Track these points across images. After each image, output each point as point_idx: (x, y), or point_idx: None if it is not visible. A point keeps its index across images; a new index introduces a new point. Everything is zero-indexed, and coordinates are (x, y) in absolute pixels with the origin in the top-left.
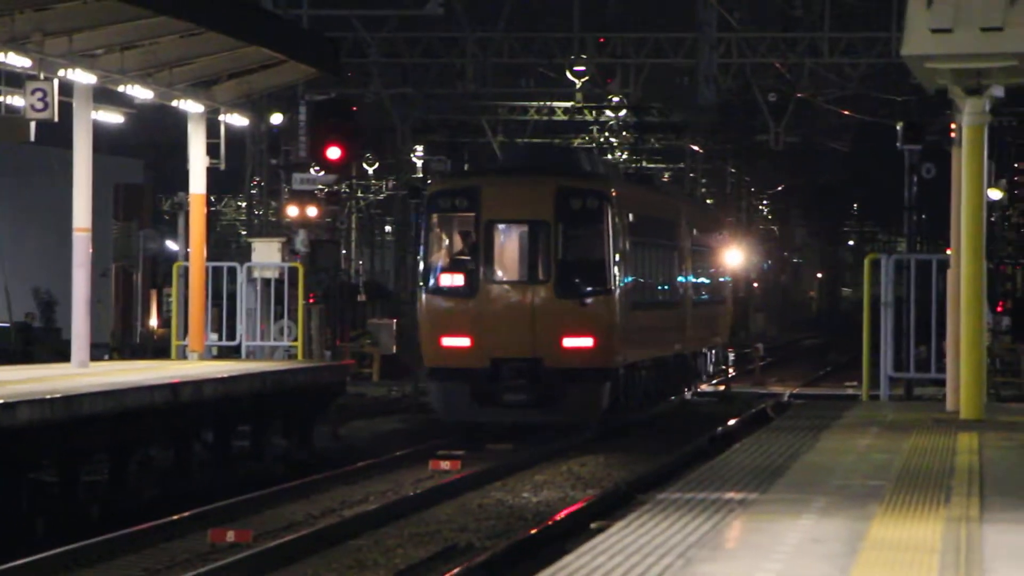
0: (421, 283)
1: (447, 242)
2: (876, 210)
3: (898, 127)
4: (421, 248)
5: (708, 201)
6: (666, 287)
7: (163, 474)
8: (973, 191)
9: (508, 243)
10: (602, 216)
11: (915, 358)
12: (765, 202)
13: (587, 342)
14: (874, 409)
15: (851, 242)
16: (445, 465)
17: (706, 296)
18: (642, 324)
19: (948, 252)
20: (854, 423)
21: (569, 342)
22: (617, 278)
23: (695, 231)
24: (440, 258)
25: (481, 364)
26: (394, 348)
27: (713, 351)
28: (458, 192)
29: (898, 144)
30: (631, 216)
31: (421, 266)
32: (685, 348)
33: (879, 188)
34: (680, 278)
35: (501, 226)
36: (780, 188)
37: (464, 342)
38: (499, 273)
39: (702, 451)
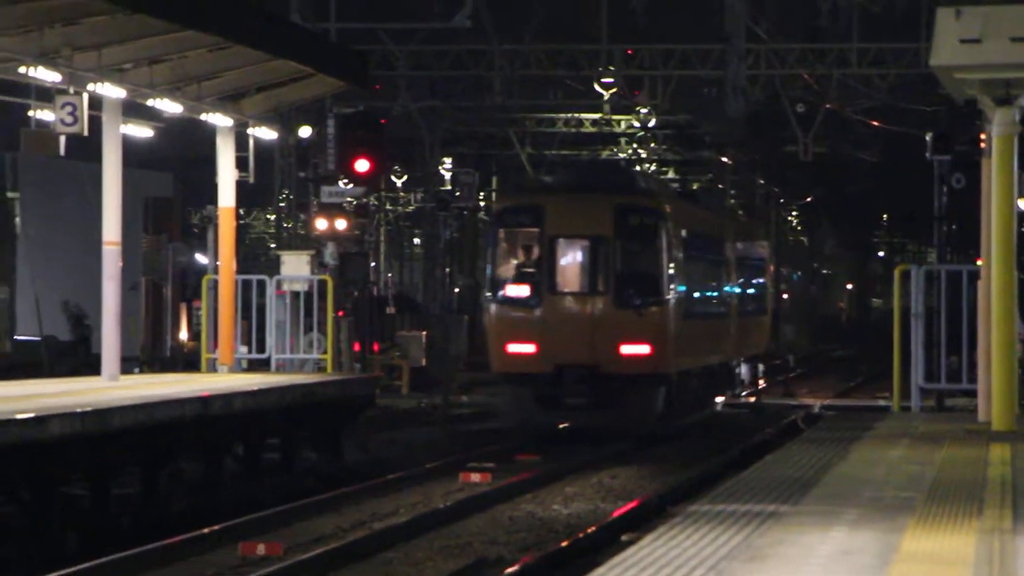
0: (489, 294)
1: (513, 255)
2: (906, 221)
3: (927, 138)
4: (488, 261)
5: (740, 213)
6: (713, 298)
7: (193, 487)
8: (1003, 201)
9: (570, 257)
10: (657, 232)
11: (946, 369)
12: (794, 213)
13: (643, 349)
14: (905, 420)
15: (881, 253)
16: (475, 477)
17: (748, 307)
18: (692, 333)
19: (978, 263)
20: (885, 434)
21: (626, 349)
22: (671, 289)
23: (737, 244)
24: (506, 271)
25: (545, 369)
26: (423, 360)
27: (755, 359)
28: (523, 209)
29: (927, 155)
30: (682, 231)
31: (488, 278)
32: (730, 356)
33: (908, 199)
34: (725, 289)
35: (563, 241)
36: (809, 199)
37: (529, 349)
38: (562, 285)
39: (733, 462)
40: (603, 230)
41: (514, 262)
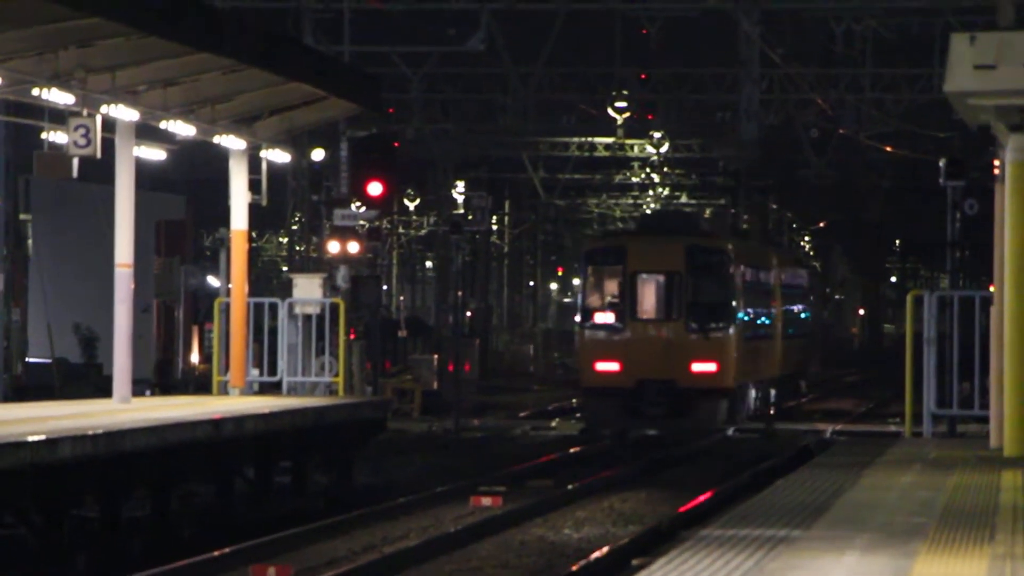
0: (580, 320)
1: (600, 288)
2: (918, 246)
3: (941, 163)
4: (579, 293)
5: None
6: (764, 323)
7: (204, 509)
8: (1016, 227)
9: (649, 289)
10: (721, 268)
11: (958, 395)
12: (807, 238)
13: (710, 367)
14: (917, 446)
15: (893, 278)
16: (486, 501)
17: (791, 329)
18: (749, 353)
19: (991, 289)
20: (897, 460)
21: (696, 367)
22: (732, 316)
23: (782, 273)
24: (595, 301)
25: (628, 384)
26: (435, 384)
27: (796, 377)
28: (609, 249)
29: (941, 180)
30: (741, 266)
31: (580, 307)
32: (778, 372)
33: (921, 224)
34: (773, 313)
35: (643, 276)
36: (822, 224)
37: (615, 367)
38: (642, 312)
39: (744, 487)
40: (676, 266)
41: (601, 294)
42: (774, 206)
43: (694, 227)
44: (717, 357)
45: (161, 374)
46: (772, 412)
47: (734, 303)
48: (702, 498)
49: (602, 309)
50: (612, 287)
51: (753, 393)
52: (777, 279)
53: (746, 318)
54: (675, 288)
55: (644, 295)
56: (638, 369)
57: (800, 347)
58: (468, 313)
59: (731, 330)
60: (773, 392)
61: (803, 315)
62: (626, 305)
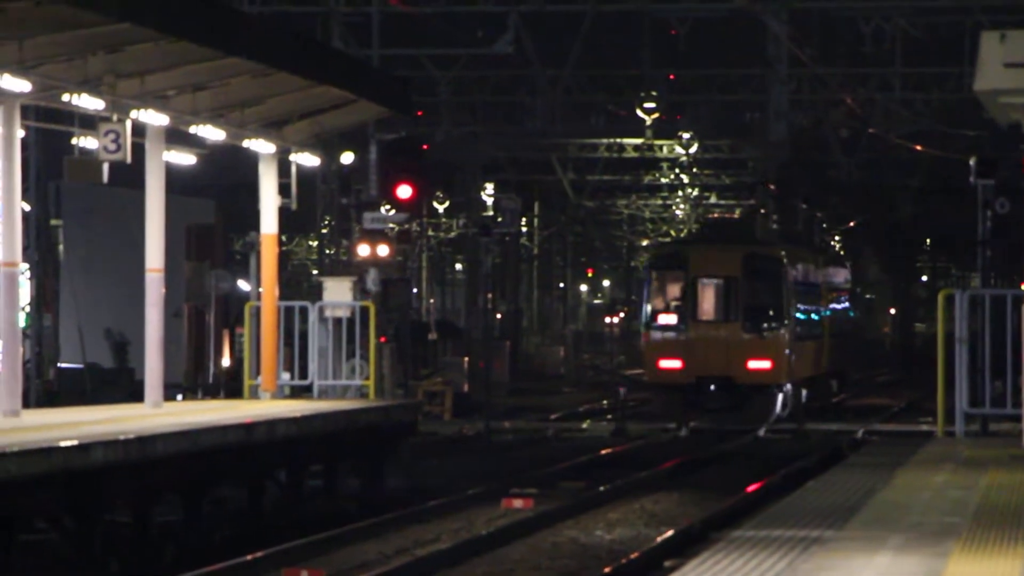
0: (645, 321)
1: (663, 292)
2: (949, 245)
3: (971, 162)
4: (644, 297)
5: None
6: (813, 322)
7: (236, 514)
8: None
9: (708, 292)
10: (774, 273)
11: (991, 394)
12: (837, 238)
13: (766, 364)
14: (949, 445)
15: (924, 277)
16: (518, 503)
17: (837, 328)
18: (801, 351)
19: (1023, 287)
20: (929, 459)
21: (753, 364)
22: (785, 317)
23: (828, 276)
24: (658, 303)
25: (689, 380)
26: (465, 386)
27: (842, 373)
28: (671, 255)
29: (971, 179)
30: (792, 271)
31: (644, 309)
32: (826, 369)
33: (952, 223)
34: (823, 313)
35: (703, 280)
36: (852, 224)
37: (677, 364)
38: (702, 314)
39: (777, 488)
40: (734, 272)
41: (664, 297)
42: (804, 206)
43: (750, 235)
44: (771, 355)
45: (192, 378)
46: (812, 407)
47: (787, 305)
48: (736, 499)
49: (665, 311)
50: (674, 291)
51: (804, 390)
52: (824, 281)
53: (798, 318)
54: (732, 292)
55: (704, 298)
56: (698, 366)
57: (844, 345)
58: (498, 315)
59: (784, 330)
60: (832, 385)
61: (848, 314)
62: (687, 307)
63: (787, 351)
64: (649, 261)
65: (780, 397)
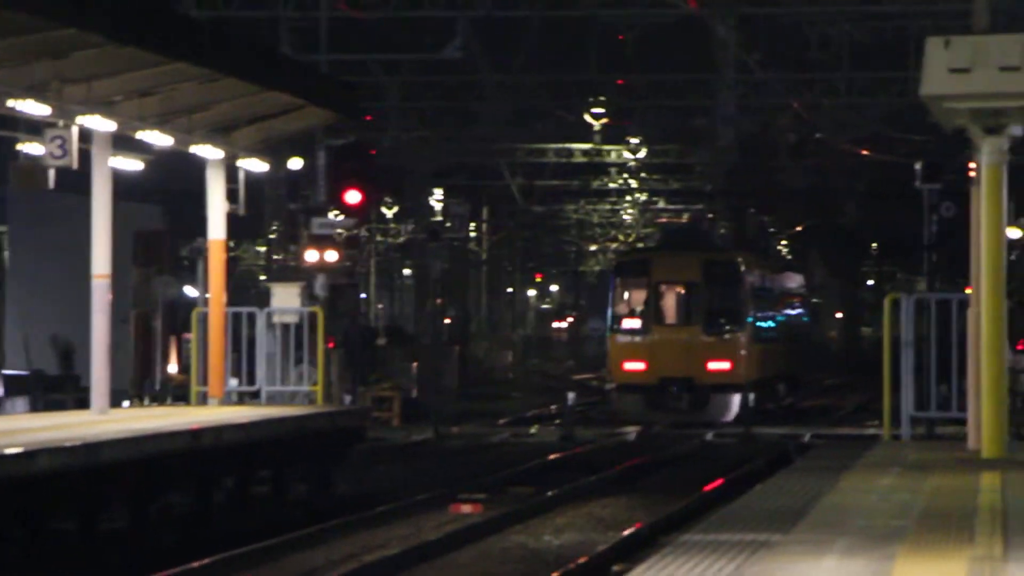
0: (611, 325)
1: (628, 297)
2: (895, 249)
3: (917, 167)
4: (609, 302)
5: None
6: (770, 327)
7: (183, 520)
8: (992, 230)
9: (670, 297)
10: (733, 278)
11: (936, 397)
12: (784, 242)
13: (725, 366)
14: (896, 449)
15: (870, 282)
16: (466, 508)
17: (791, 332)
18: (760, 352)
19: (968, 291)
20: (876, 463)
21: (712, 365)
22: (743, 321)
23: (784, 282)
24: (623, 308)
25: (652, 381)
26: (414, 392)
27: (795, 377)
28: (636, 262)
29: (917, 183)
30: (751, 276)
31: (610, 314)
32: (786, 370)
33: (898, 227)
34: (778, 317)
35: (665, 285)
36: (799, 229)
37: (640, 366)
38: (664, 318)
39: (724, 492)
40: (694, 277)
41: (628, 302)
42: (752, 210)
43: (709, 242)
44: (731, 357)
45: (139, 385)
46: (766, 409)
47: (744, 309)
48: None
49: (630, 315)
50: (638, 296)
51: (752, 393)
52: (779, 286)
53: (755, 322)
54: (693, 296)
55: (666, 303)
56: (661, 368)
57: (798, 349)
58: (447, 320)
59: (742, 333)
60: (782, 388)
61: (801, 319)
62: (650, 312)
63: (745, 353)
64: (613, 267)
65: (738, 398)
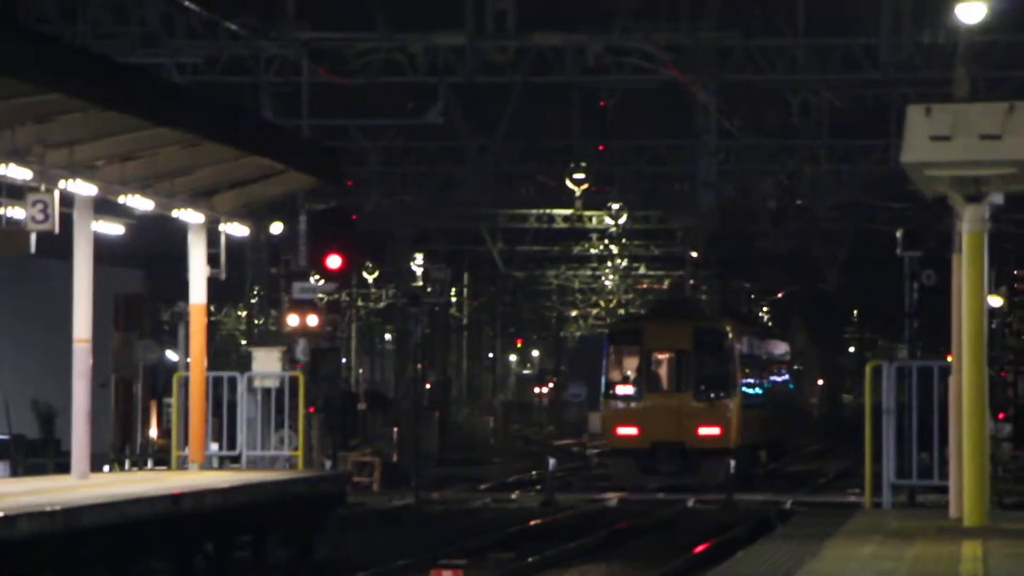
0: (604, 391)
1: (620, 365)
2: (876, 316)
3: (898, 234)
4: (603, 369)
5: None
6: (758, 393)
7: None
8: (974, 298)
9: (661, 365)
10: (722, 347)
11: (918, 465)
12: (765, 309)
13: (715, 431)
14: (877, 517)
15: (852, 348)
16: (447, 575)
17: (778, 398)
18: (749, 418)
19: (949, 359)
20: (857, 531)
21: (703, 431)
22: (733, 388)
23: (770, 350)
24: (616, 375)
25: (644, 445)
26: (395, 457)
27: (781, 442)
28: (628, 331)
29: (898, 251)
30: (740, 344)
31: (604, 380)
32: (772, 436)
33: (879, 295)
34: (765, 384)
35: (656, 354)
36: (780, 295)
37: (633, 431)
38: (656, 385)
39: (706, 559)
40: (685, 345)
41: (621, 369)
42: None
43: (699, 311)
44: (720, 422)
45: (120, 449)
46: (752, 474)
47: (734, 376)
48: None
49: (623, 382)
50: (631, 363)
51: (751, 452)
52: (765, 353)
53: (744, 389)
54: (684, 364)
55: (658, 370)
56: (653, 433)
57: (784, 415)
58: (428, 385)
59: (731, 399)
60: (763, 455)
61: (787, 384)
62: (643, 378)
63: (735, 418)
64: (607, 336)
65: (728, 462)
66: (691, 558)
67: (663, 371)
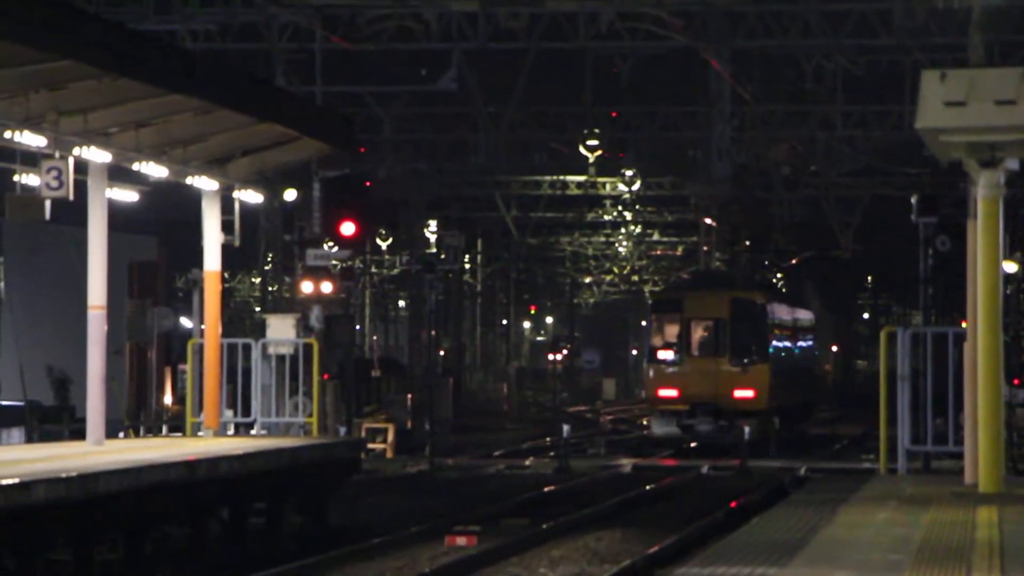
0: (648, 356)
1: (662, 331)
2: (890, 283)
3: (912, 200)
4: (646, 335)
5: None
6: (788, 357)
7: (179, 552)
8: (988, 264)
9: (700, 331)
10: (757, 314)
11: (933, 431)
12: (779, 275)
13: (749, 393)
14: (892, 483)
15: (865, 315)
16: (461, 541)
17: (805, 363)
18: (779, 382)
19: (964, 324)
20: (872, 497)
21: (738, 393)
22: (765, 353)
23: (798, 317)
24: (658, 340)
25: (684, 406)
26: (409, 423)
27: (809, 404)
28: (670, 300)
29: (912, 217)
30: (772, 312)
31: (647, 346)
32: (799, 398)
33: (893, 261)
34: (795, 350)
35: (695, 321)
36: (794, 262)
37: (673, 392)
38: (695, 350)
39: (720, 525)
40: (722, 314)
41: (663, 335)
42: (747, 243)
43: (735, 282)
44: (754, 385)
45: (134, 416)
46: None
47: (766, 342)
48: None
49: (664, 348)
50: (672, 330)
51: (781, 414)
52: (794, 320)
53: (776, 354)
54: (721, 330)
55: (696, 336)
56: (691, 394)
57: (811, 379)
58: (441, 352)
59: (764, 364)
60: (777, 420)
61: (812, 350)
62: (683, 344)
63: (767, 382)
64: (650, 305)
65: (759, 421)
66: (706, 523)
67: (701, 337)
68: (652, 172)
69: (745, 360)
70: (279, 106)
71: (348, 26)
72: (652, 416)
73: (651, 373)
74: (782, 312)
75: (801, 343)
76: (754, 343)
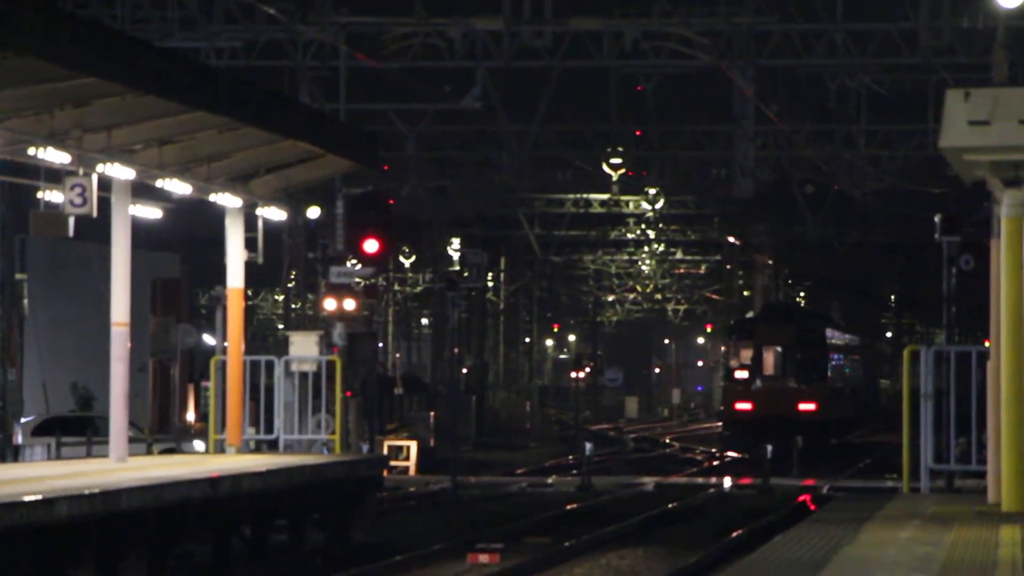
0: (724, 375)
1: (738, 354)
2: (914, 302)
3: (936, 219)
4: (724, 357)
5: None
6: (841, 375)
7: (201, 569)
8: (1012, 283)
9: (770, 355)
10: (819, 341)
11: (956, 450)
12: (802, 294)
13: (812, 407)
14: (915, 501)
15: (889, 334)
16: (484, 558)
17: (854, 382)
18: (837, 397)
19: (987, 344)
20: (895, 515)
21: (802, 407)
22: (825, 373)
23: (849, 342)
24: (735, 362)
25: (756, 419)
26: (431, 441)
27: (853, 418)
28: (744, 327)
29: (936, 236)
30: (831, 338)
31: (724, 367)
32: (849, 412)
33: (916, 280)
34: (846, 369)
35: (766, 347)
36: (817, 280)
37: (748, 406)
38: (766, 370)
39: (743, 543)
40: (789, 341)
41: (738, 358)
42: (769, 262)
43: (799, 313)
44: (816, 400)
45: (157, 432)
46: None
47: (825, 364)
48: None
49: (740, 368)
50: (746, 353)
51: (839, 425)
52: (847, 345)
53: (833, 374)
54: (787, 354)
55: (767, 359)
56: (763, 408)
57: (858, 395)
58: (464, 370)
59: (825, 382)
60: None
61: (858, 368)
62: (756, 366)
63: (827, 398)
64: (729, 331)
65: (821, 430)
66: (729, 542)
67: (771, 360)
68: (675, 191)
69: (808, 379)
70: (303, 123)
71: (373, 43)
72: (726, 428)
73: (728, 389)
74: (835, 337)
75: (849, 363)
76: (815, 364)
